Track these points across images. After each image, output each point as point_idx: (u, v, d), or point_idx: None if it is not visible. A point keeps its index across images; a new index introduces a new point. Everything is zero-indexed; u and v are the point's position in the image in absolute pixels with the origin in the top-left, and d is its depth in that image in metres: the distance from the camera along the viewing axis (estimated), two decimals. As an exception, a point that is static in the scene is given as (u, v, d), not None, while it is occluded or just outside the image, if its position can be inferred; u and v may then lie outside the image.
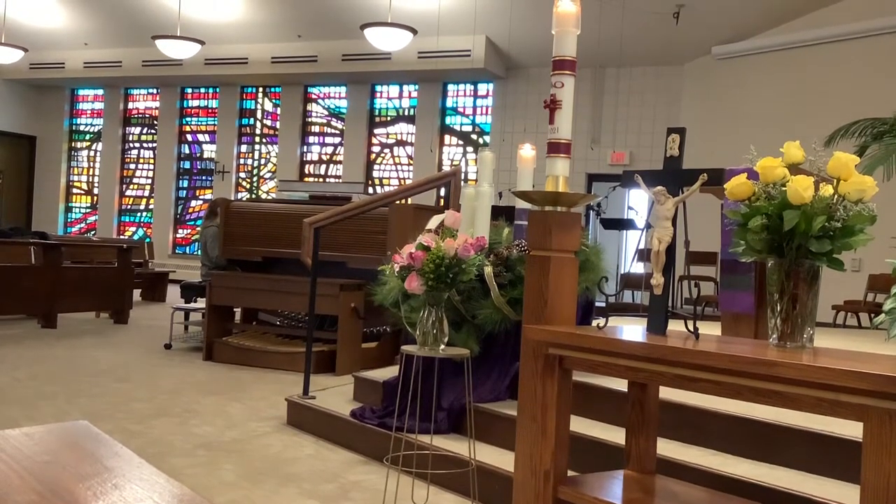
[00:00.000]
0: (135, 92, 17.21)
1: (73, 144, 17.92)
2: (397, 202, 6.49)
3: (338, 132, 15.36)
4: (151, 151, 17.07)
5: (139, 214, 17.21)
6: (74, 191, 17.99)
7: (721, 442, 3.16)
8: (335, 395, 5.01)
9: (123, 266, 9.68)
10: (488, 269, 3.81)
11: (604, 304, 3.91)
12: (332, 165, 15.41)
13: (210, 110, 16.50)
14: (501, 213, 4.38)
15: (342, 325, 6.55)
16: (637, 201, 11.08)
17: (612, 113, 12.69)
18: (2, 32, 12.79)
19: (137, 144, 17.29)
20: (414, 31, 10.60)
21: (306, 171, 15.59)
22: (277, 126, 15.77)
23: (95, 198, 17.66)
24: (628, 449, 2.51)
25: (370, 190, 14.56)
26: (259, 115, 16.07)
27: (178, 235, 16.73)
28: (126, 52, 15.35)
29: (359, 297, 6.54)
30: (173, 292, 10.89)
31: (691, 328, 2.16)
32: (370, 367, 5.62)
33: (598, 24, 10.07)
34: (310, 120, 15.60)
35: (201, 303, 7.81)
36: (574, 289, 2.44)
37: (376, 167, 15.04)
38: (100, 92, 17.43)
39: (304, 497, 3.56)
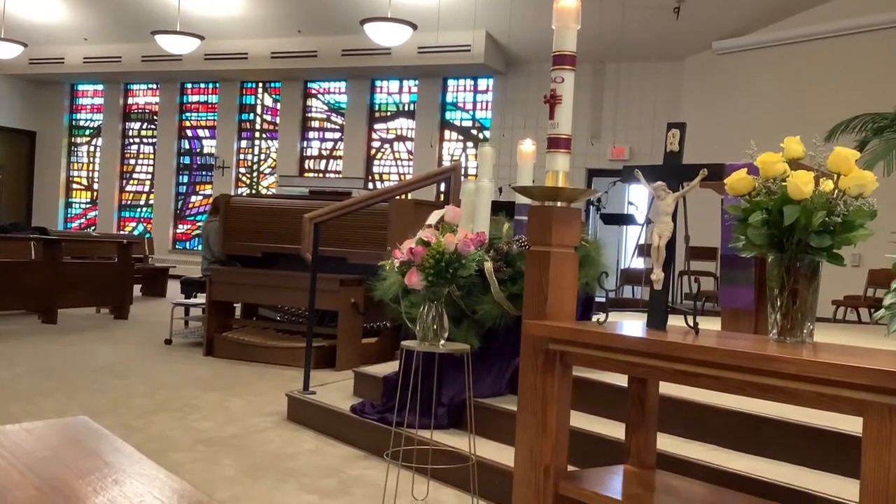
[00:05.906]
0: (134, 87, 17.20)
1: (72, 140, 17.91)
2: (397, 197, 6.49)
3: (338, 127, 15.35)
4: (151, 147, 17.05)
5: (139, 210, 17.20)
6: (74, 186, 17.98)
7: (721, 437, 3.16)
8: (335, 390, 5.01)
9: (123, 261, 9.68)
10: (488, 265, 3.81)
11: (604, 300, 3.91)
12: (331, 161, 15.40)
13: (210, 105, 16.48)
14: (501, 209, 4.37)
15: (342, 321, 6.55)
16: (637, 196, 11.06)
17: (612, 108, 12.67)
18: (1, 27, 12.77)
19: (137, 140, 17.28)
20: (414, 27, 10.58)
21: (306, 167, 15.58)
22: (277, 121, 15.76)
23: (95, 193, 17.65)
24: (628, 444, 2.51)
25: (370, 185, 14.55)
26: (259, 110, 16.06)
27: (178, 231, 16.72)
28: (126, 48, 15.33)
29: (359, 293, 6.55)
30: (173, 288, 10.89)
31: (691, 323, 2.16)
32: (370, 363, 5.62)
33: (599, 18, 10.06)
34: (310, 115, 15.58)
35: (201, 298, 7.81)
36: (574, 284, 2.43)
37: (376, 162, 15.03)
38: (99, 87, 17.42)
39: (304, 492, 3.57)
